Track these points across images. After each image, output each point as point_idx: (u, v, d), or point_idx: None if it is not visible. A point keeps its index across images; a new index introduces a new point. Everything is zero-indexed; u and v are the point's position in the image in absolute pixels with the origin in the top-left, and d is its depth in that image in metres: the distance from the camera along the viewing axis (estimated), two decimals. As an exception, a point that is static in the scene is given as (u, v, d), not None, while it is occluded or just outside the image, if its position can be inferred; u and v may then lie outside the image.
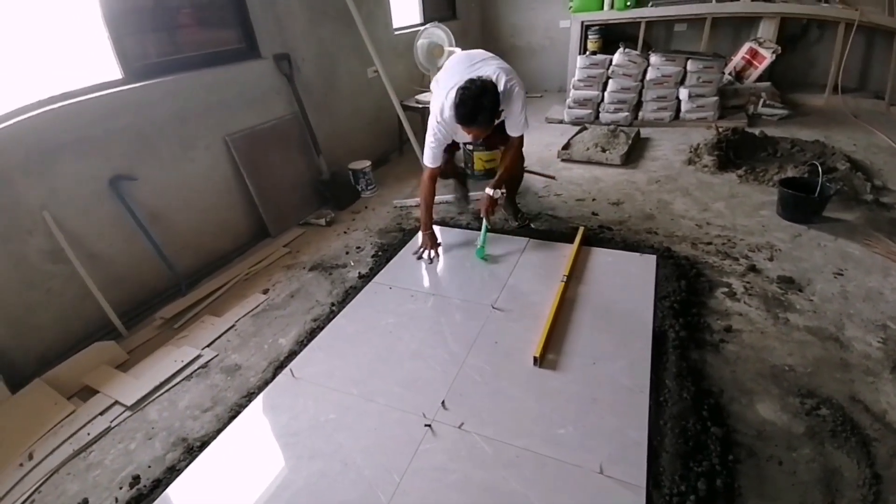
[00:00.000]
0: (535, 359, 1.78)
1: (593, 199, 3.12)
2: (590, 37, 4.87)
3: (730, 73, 4.50)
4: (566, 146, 3.81)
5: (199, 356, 2.05)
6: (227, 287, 2.52)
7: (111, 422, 1.77)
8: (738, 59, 4.54)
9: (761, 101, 4.17)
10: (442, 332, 2.03)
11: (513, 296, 2.19)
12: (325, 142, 3.30)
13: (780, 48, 4.24)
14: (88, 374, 1.96)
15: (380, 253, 2.71)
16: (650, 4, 4.62)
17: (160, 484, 1.52)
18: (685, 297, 2.10)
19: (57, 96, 2.05)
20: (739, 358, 1.82)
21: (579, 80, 4.42)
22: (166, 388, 1.91)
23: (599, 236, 2.66)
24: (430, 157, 2.41)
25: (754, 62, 4.46)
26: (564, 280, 2.18)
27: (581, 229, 2.60)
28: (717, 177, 3.27)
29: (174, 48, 2.52)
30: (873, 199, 2.75)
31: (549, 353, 1.82)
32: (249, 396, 1.83)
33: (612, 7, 4.74)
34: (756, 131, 3.62)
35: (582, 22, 4.85)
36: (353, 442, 1.57)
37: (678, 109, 4.27)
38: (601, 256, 2.44)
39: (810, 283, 2.17)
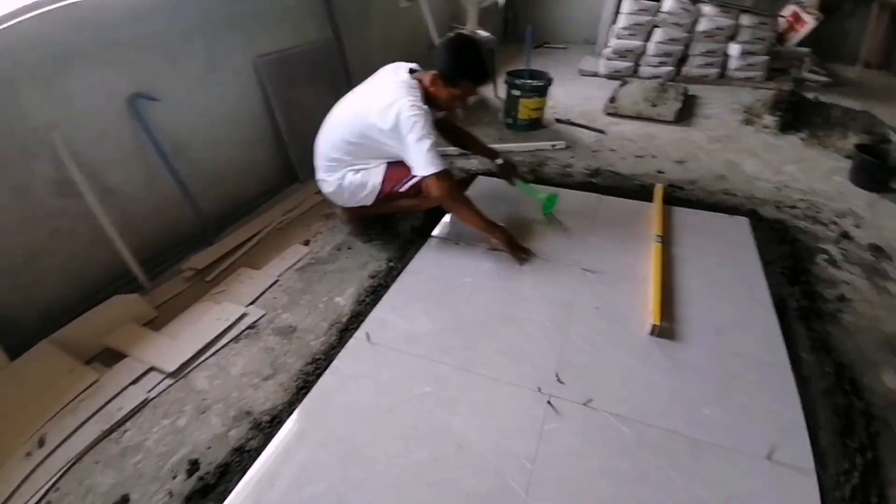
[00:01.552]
0: (653, 327, 1.57)
1: (654, 157, 2.88)
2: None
3: (769, 45, 4.27)
4: (612, 100, 3.52)
5: (244, 315, 1.73)
6: (260, 236, 2.17)
7: (148, 392, 1.46)
8: (781, 21, 4.29)
9: (804, 65, 3.97)
10: (532, 296, 1.78)
11: (600, 256, 1.95)
12: (358, 75, 2.89)
13: (822, 15, 4.02)
14: (110, 335, 1.62)
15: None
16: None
17: (228, 470, 1.24)
18: (791, 262, 1.92)
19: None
20: (858, 329, 1.67)
21: (624, 28, 4.08)
22: (211, 351, 1.60)
23: (673, 195, 2.43)
24: (440, 158, 1.74)
25: (796, 26, 4.24)
26: (659, 241, 1.95)
27: (660, 187, 2.36)
28: (781, 139, 3.08)
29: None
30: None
31: (663, 322, 1.61)
32: (316, 363, 1.55)
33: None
34: (810, 95, 3.42)
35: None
36: (461, 421, 1.33)
37: (724, 66, 4.02)
38: (687, 217, 2.22)
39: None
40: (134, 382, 1.48)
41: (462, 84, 1.79)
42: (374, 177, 1.93)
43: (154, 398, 1.45)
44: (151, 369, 1.53)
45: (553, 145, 2.97)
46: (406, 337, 1.60)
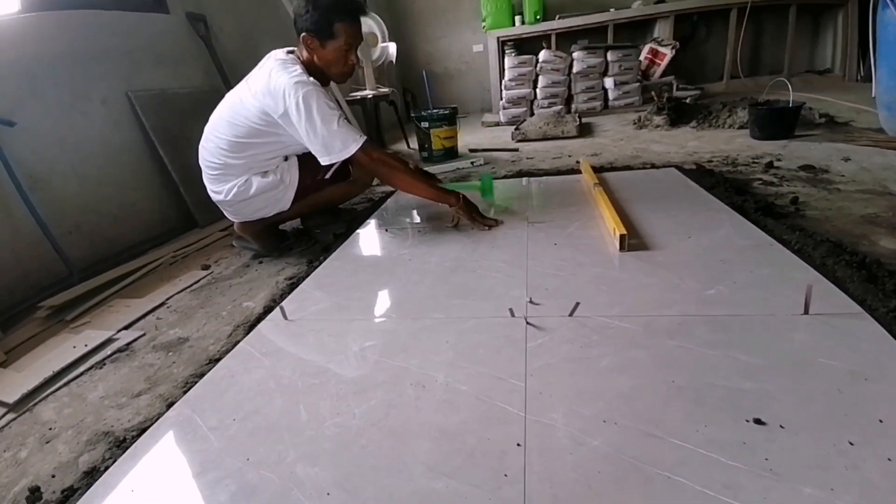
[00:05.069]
0: (621, 238, 1.36)
1: (569, 155, 2.91)
2: (507, 52, 5.02)
3: (637, 73, 4.84)
4: (517, 128, 3.66)
5: (111, 339, 1.30)
6: (144, 271, 1.77)
7: None
8: (641, 59, 4.92)
9: (675, 85, 4.49)
10: (479, 248, 1.53)
11: (545, 212, 1.78)
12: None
13: (678, 43, 4.68)
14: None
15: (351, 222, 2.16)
16: (557, 17, 4.93)
17: (74, 493, 0.79)
18: (730, 187, 1.86)
19: None
20: (827, 217, 1.57)
21: (510, 80, 4.44)
22: (64, 379, 1.14)
23: (599, 167, 2.39)
24: (357, 130, 1.53)
25: (656, 60, 4.86)
26: (597, 185, 1.83)
27: (584, 159, 2.33)
28: (675, 131, 3.28)
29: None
30: (826, 122, 2.88)
31: (630, 238, 1.41)
32: (214, 363, 1.13)
33: (522, 23, 4.98)
34: (686, 99, 3.79)
35: (498, 38, 5.01)
36: (419, 363, 0.97)
37: (606, 99, 4.42)
38: (617, 176, 2.16)
39: (829, 168, 2.07)
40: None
41: (338, 29, 1.50)
42: (289, 171, 1.67)
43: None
44: (-8, 404, 1.07)
45: (472, 162, 2.93)
46: (335, 307, 1.25)
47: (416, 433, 0.79)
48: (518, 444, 0.73)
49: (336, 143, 1.47)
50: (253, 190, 1.63)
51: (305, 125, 1.45)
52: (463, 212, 1.67)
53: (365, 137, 1.52)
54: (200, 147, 1.67)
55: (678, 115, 3.46)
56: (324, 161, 1.51)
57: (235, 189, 1.63)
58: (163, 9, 2.33)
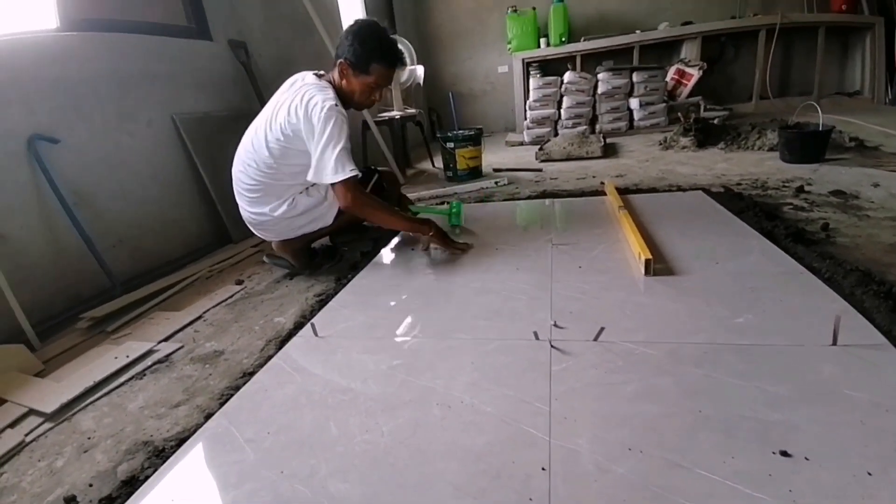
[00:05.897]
0: (647, 263, 1.36)
1: (593, 176, 2.92)
2: (532, 73, 5.09)
3: (663, 93, 4.82)
4: (542, 148, 3.69)
5: (152, 351, 1.36)
6: (182, 285, 1.85)
7: (25, 435, 1.08)
8: (668, 80, 4.91)
9: (702, 106, 4.46)
10: (504, 269, 1.55)
11: (569, 235, 1.79)
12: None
13: (705, 64, 4.66)
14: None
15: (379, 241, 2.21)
16: (582, 39, 4.99)
17: (112, 502, 0.83)
18: (759, 211, 1.84)
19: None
20: (857, 245, 1.55)
21: (535, 101, 4.49)
22: (104, 390, 1.20)
23: (624, 188, 2.39)
24: (352, 166, 1.54)
25: (683, 80, 4.85)
26: (622, 208, 1.84)
27: (609, 181, 2.34)
28: (702, 152, 3.26)
29: (116, 7, 2.09)
30: (856, 146, 2.82)
31: (656, 263, 1.41)
32: (248, 377, 1.18)
33: (548, 45, 5.05)
34: (714, 120, 3.77)
35: (523, 60, 5.09)
36: (445, 384, 0.99)
37: (631, 119, 4.42)
38: (643, 198, 2.16)
39: (859, 194, 2.04)
40: (11, 426, 1.13)
41: (373, 69, 1.61)
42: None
43: (32, 441, 1.08)
44: (31, 412, 1.16)
45: (496, 182, 2.97)
46: (363, 325, 1.29)
47: (442, 453, 0.81)
48: (543, 469, 0.75)
49: (328, 167, 1.52)
50: (301, 208, 1.70)
51: (315, 139, 1.53)
52: (437, 239, 1.72)
53: (356, 174, 1.56)
54: (236, 171, 1.74)
55: (705, 136, 3.44)
56: (309, 178, 1.58)
57: (284, 207, 1.69)
58: (206, 36, 2.47)
